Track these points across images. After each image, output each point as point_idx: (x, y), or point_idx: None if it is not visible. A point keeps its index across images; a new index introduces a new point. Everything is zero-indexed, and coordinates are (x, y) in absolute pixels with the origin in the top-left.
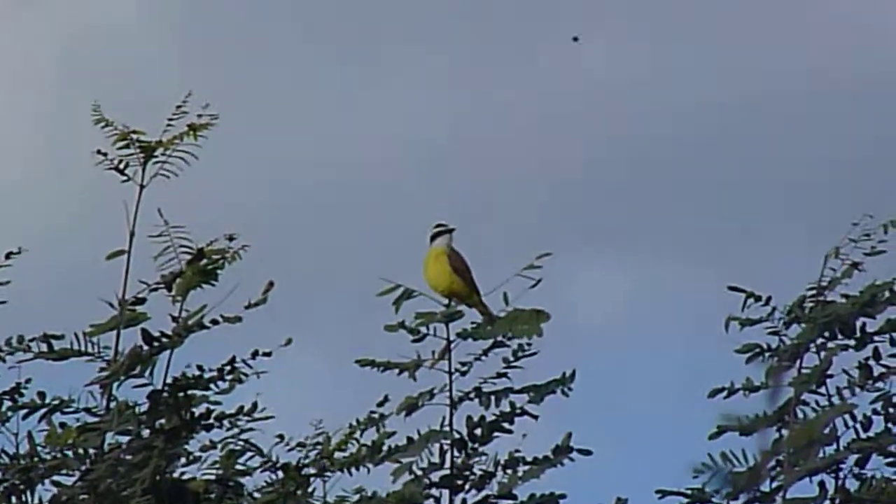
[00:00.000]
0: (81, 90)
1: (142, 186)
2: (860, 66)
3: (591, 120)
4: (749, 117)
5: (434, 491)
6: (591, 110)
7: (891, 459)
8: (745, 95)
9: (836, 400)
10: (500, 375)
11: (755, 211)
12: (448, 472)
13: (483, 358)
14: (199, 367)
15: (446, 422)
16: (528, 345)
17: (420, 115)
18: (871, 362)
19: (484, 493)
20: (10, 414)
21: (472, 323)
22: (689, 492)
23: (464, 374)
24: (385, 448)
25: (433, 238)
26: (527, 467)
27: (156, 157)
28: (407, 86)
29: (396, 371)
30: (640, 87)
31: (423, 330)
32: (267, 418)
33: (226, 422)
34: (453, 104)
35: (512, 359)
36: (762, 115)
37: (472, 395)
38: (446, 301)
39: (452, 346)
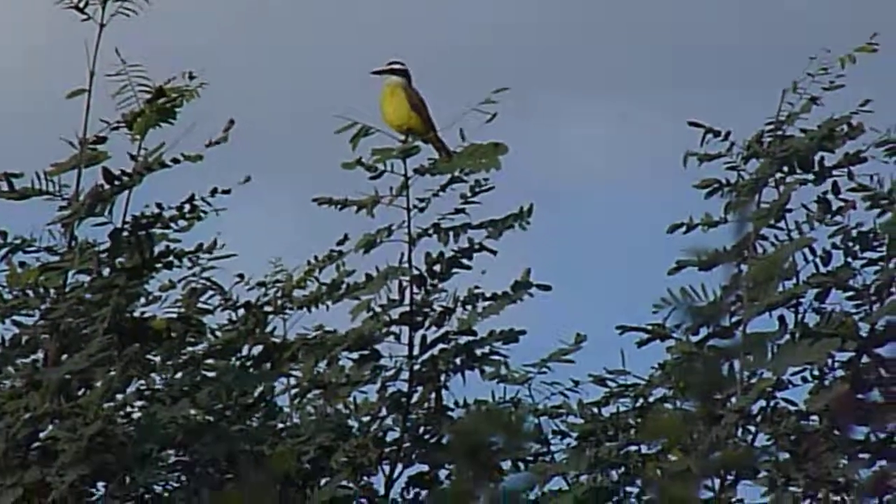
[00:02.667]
0: None
1: (102, 25)
2: None
3: None
4: None
5: (394, 328)
6: None
7: (850, 293)
8: None
9: (795, 234)
10: (458, 211)
11: (711, 48)
12: (407, 308)
13: (441, 193)
14: (159, 206)
15: (405, 258)
16: (486, 180)
17: None
18: (830, 196)
19: (443, 329)
20: None
21: (430, 159)
22: (649, 327)
23: (422, 210)
24: (344, 286)
25: (391, 73)
26: (486, 303)
27: None
28: None
29: (354, 208)
30: None
31: (381, 166)
32: (228, 256)
33: (186, 260)
34: None
35: (469, 194)
36: None
37: (430, 232)
38: (403, 137)
39: (410, 182)
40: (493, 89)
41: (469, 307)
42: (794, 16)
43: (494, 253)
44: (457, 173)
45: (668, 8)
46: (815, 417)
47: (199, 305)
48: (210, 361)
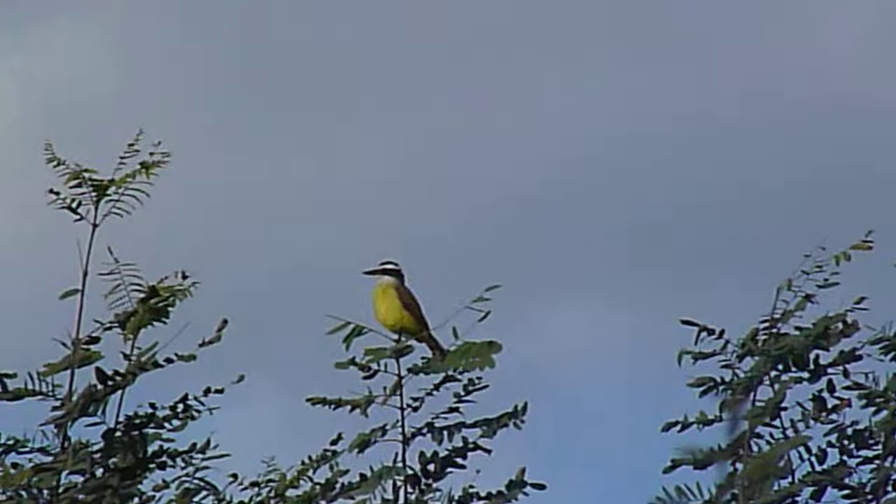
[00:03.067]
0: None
1: (94, 225)
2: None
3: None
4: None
5: None
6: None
7: (846, 492)
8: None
9: (790, 433)
10: (451, 410)
11: (707, 245)
12: None
13: (435, 392)
14: (152, 405)
15: (399, 458)
16: (479, 378)
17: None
18: (825, 394)
19: None
20: None
21: (423, 358)
22: None
23: (416, 409)
24: (339, 485)
25: (384, 274)
26: (481, 503)
27: (108, 195)
28: None
29: (348, 408)
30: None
31: (374, 366)
32: (221, 456)
33: (180, 460)
34: None
35: (463, 393)
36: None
37: (424, 431)
38: (396, 336)
39: (403, 381)
40: (486, 287)
41: None
42: (789, 213)
43: (489, 452)
44: (450, 372)
45: (664, 208)
46: None
47: None
48: None
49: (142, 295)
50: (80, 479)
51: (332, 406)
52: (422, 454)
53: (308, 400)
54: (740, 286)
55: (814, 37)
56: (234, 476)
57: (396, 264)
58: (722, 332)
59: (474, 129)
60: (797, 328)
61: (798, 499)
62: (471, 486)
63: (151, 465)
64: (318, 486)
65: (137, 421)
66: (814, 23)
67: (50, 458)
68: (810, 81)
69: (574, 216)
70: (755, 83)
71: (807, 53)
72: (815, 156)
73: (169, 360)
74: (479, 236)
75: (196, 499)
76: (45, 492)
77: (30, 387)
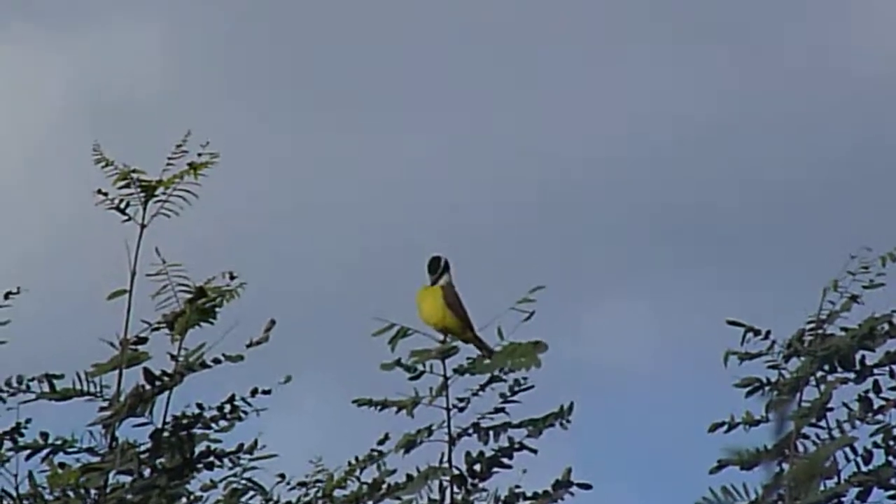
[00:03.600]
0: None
1: (143, 226)
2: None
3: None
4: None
5: None
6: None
7: (892, 492)
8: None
9: (836, 433)
10: (497, 410)
11: (754, 246)
12: None
13: (481, 393)
14: (200, 406)
15: (445, 458)
16: (525, 378)
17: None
18: (871, 395)
19: None
20: (9, 455)
21: (469, 358)
22: None
23: (462, 409)
24: (385, 486)
25: (429, 272)
26: (527, 503)
27: (156, 195)
28: None
29: (394, 409)
30: None
31: (420, 367)
32: (269, 457)
33: (227, 460)
34: None
35: (509, 393)
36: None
37: (470, 431)
38: (441, 337)
39: (449, 382)
40: (531, 288)
41: None
42: (836, 215)
43: (535, 452)
44: (496, 373)
45: (713, 207)
46: None
47: None
48: None
49: (189, 295)
50: (128, 479)
51: (379, 407)
52: (468, 454)
53: (354, 402)
54: (786, 287)
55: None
56: (282, 476)
57: (445, 260)
58: (768, 332)
59: (519, 124)
60: (843, 329)
61: (844, 499)
62: (517, 487)
63: (199, 466)
64: (364, 486)
65: (185, 421)
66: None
67: (97, 459)
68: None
69: (616, 213)
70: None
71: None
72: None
73: (216, 361)
74: (522, 234)
75: (243, 499)
76: (93, 492)
77: (77, 387)
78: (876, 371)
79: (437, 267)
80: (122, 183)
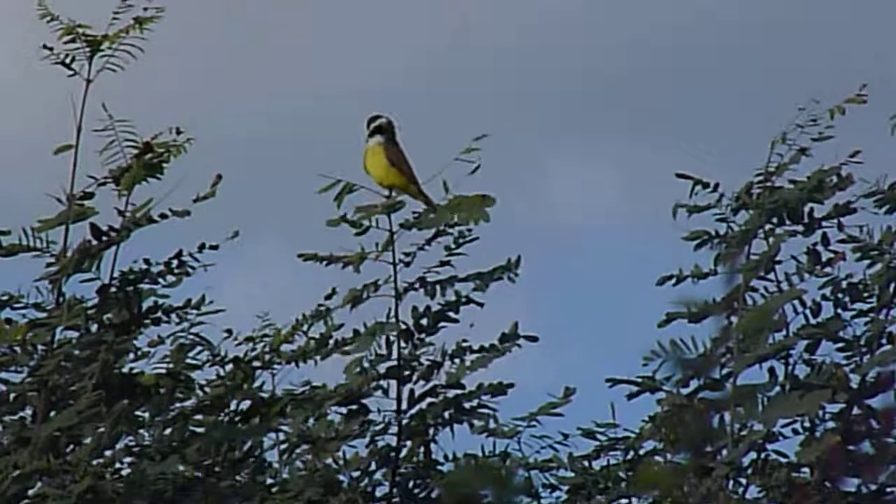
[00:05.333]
0: None
1: (88, 81)
2: None
3: None
4: None
5: (382, 382)
6: None
7: (840, 345)
8: None
9: (785, 286)
10: (443, 264)
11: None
12: (395, 363)
13: (427, 247)
14: (147, 261)
15: (392, 313)
16: (469, 231)
17: None
18: (820, 248)
19: (432, 383)
20: None
21: (415, 212)
22: (639, 379)
23: (408, 265)
24: (332, 341)
25: (372, 132)
26: (474, 356)
27: (102, 50)
28: None
29: (341, 265)
30: None
31: (365, 223)
32: (216, 311)
33: (174, 316)
34: None
35: (454, 246)
36: None
37: (416, 286)
38: (386, 193)
39: (395, 237)
40: (475, 136)
41: (457, 361)
42: (784, 68)
43: (481, 305)
44: (442, 227)
45: (666, 55)
46: (806, 470)
47: (188, 361)
48: (199, 417)
49: (136, 151)
50: (75, 335)
51: (325, 262)
52: (414, 309)
53: (300, 256)
54: (734, 141)
55: None
56: (229, 332)
57: (386, 119)
58: (717, 185)
59: None
60: (791, 181)
61: (793, 352)
62: (464, 341)
63: (146, 321)
64: (312, 342)
65: (132, 277)
66: None
67: (44, 314)
68: None
69: (565, 69)
70: None
71: None
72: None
73: (163, 216)
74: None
75: (191, 354)
76: (40, 347)
77: (24, 243)
78: (824, 224)
79: (377, 127)
80: (68, 38)
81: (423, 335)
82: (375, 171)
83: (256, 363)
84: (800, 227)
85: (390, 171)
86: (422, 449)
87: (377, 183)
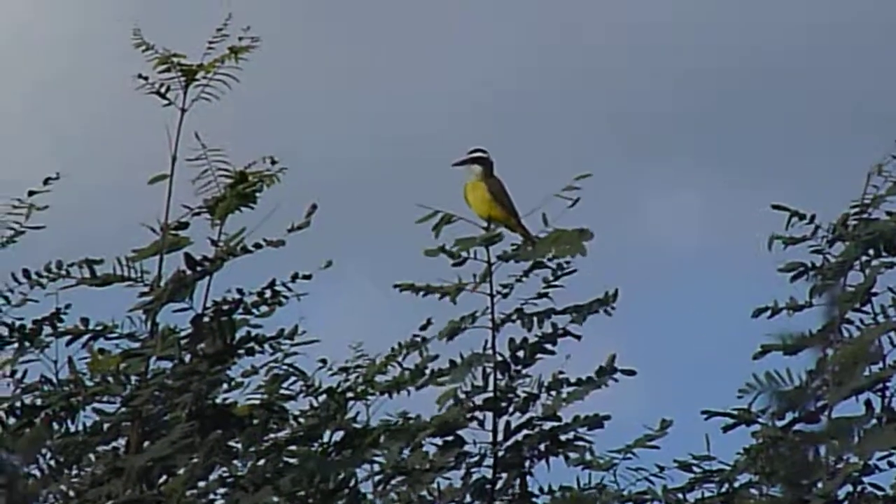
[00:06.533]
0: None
1: (183, 110)
2: None
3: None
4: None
5: (478, 414)
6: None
7: None
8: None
9: (880, 318)
10: (541, 296)
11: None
12: (491, 394)
13: (524, 279)
14: (240, 291)
15: (489, 345)
16: (568, 263)
17: None
18: None
19: (528, 415)
20: (49, 340)
21: (513, 244)
22: (734, 412)
23: (505, 296)
24: (428, 372)
25: (472, 163)
26: (571, 388)
27: (197, 80)
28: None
29: (437, 296)
30: None
31: (464, 254)
32: (310, 342)
33: (268, 346)
34: None
35: (552, 278)
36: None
37: (514, 317)
38: (485, 225)
39: (493, 268)
40: (575, 175)
41: (553, 393)
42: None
43: (578, 338)
44: (539, 259)
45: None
46: None
47: (282, 391)
48: (292, 448)
49: (230, 180)
50: (169, 365)
51: (422, 293)
52: (511, 341)
53: (396, 286)
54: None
55: None
56: (323, 362)
57: (485, 153)
58: (813, 216)
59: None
60: (888, 213)
61: (889, 384)
62: (560, 373)
63: (239, 351)
64: (406, 372)
65: (225, 307)
66: None
67: (138, 344)
68: None
69: (660, 106)
70: None
71: None
72: None
73: (257, 246)
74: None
75: (284, 384)
76: (133, 378)
77: (118, 272)
78: None
79: (477, 160)
80: (163, 67)
81: (519, 367)
82: (476, 203)
83: (350, 394)
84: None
85: (491, 203)
86: (517, 481)
87: (477, 215)
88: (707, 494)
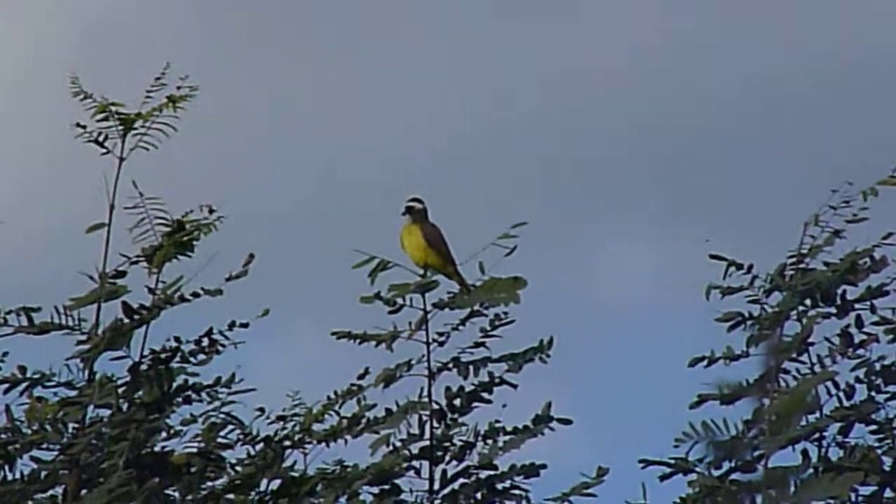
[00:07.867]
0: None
1: (121, 159)
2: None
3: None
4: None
5: (414, 462)
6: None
7: (873, 427)
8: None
9: (817, 368)
10: (477, 345)
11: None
12: (428, 443)
13: (461, 328)
14: (177, 339)
15: (425, 393)
16: (506, 314)
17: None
18: (853, 330)
19: (464, 463)
20: None
21: (449, 292)
22: (671, 461)
23: (441, 344)
24: (364, 420)
25: (408, 212)
26: (507, 437)
27: (135, 129)
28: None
29: (374, 343)
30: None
31: (399, 301)
32: (247, 391)
33: (205, 394)
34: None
35: (489, 328)
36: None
37: (450, 366)
38: (421, 272)
39: (429, 316)
40: (512, 224)
41: (490, 441)
42: (817, 153)
43: (515, 387)
44: (476, 307)
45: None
46: None
47: (219, 440)
48: (230, 496)
49: (167, 229)
50: (107, 413)
51: (358, 340)
52: (448, 389)
53: (333, 334)
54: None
55: None
56: (261, 410)
57: (420, 201)
58: (751, 266)
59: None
60: (825, 263)
61: (825, 434)
62: (497, 421)
63: (177, 400)
64: (344, 421)
65: (163, 355)
66: None
67: (75, 392)
68: None
69: (591, 151)
70: None
71: None
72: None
73: (195, 294)
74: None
75: (222, 433)
76: (71, 426)
77: (56, 321)
78: (857, 306)
79: (413, 207)
80: (101, 116)
81: (455, 415)
82: (412, 249)
83: (287, 442)
84: (833, 309)
85: (427, 250)
86: None
87: (413, 262)
88: None
